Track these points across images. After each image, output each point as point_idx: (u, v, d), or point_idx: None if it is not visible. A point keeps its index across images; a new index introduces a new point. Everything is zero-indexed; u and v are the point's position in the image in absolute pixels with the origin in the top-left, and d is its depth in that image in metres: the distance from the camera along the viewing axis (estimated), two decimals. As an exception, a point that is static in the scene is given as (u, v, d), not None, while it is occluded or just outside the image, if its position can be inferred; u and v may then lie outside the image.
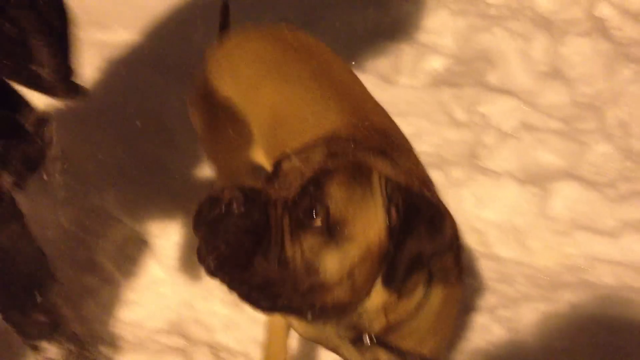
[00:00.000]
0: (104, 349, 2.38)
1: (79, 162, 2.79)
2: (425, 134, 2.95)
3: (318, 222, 1.20)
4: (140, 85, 3.02)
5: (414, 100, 3.07)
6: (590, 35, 3.46)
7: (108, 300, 2.50)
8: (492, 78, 3.31)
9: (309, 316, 1.27)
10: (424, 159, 2.82)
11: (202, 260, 1.23)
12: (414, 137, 2.90)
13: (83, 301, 2.48)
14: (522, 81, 3.36)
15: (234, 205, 1.20)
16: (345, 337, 1.47)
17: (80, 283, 2.52)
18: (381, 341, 1.42)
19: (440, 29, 3.52)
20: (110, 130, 2.83)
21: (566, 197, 2.76)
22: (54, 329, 2.26)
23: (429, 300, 1.43)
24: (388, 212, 1.25)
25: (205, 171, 2.76)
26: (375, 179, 1.26)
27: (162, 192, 2.68)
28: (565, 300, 2.41)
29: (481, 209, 2.74)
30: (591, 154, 2.97)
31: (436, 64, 3.38)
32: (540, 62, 3.44)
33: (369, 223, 1.23)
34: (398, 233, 1.24)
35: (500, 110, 3.13)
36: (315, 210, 1.20)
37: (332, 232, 1.21)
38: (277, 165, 1.31)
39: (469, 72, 3.28)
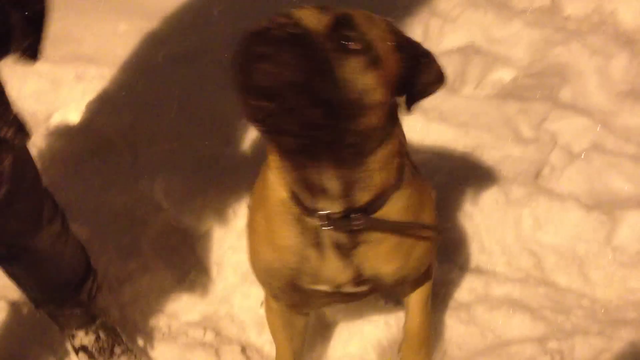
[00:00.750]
0: (137, 337, 2.35)
1: (133, 148, 2.79)
2: (487, 147, 2.79)
3: (357, 45, 1.34)
4: (194, 78, 2.99)
5: (477, 112, 2.92)
6: (677, 56, 3.23)
7: (147, 288, 2.47)
8: (565, 95, 3.12)
9: (351, 139, 1.39)
10: (483, 173, 2.72)
11: (270, 91, 1.25)
12: (475, 150, 2.80)
13: (123, 287, 2.47)
14: (598, 100, 3.15)
15: (288, 28, 1.26)
16: (328, 240, 1.59)
17: (123, 268, 2.51)
18: (374, 219, 1.56)
19: (512, 39, 3.35)
20: (164, 120, 2.81)
21: (635, 227, 2.54)
22: (91, 321, 2.25)
23: (405, 171, 1.60)
24: (395, 42, 1.44)
25: (256, 167, 2.70)
26: (380, 20, 1.46)
27: (211, 186, 2.63)
28: (624, 338, 2.21)
29: (541, 232, 2.56)
30: (667, 183, 2.75)
31: (505, 75, 3.21)
32: (619, 82, 3.22)
33: (387, 49, 1.41)
34: (407, 61, 1.45)
35: (571, 129, 2.94)
36: (352, 37, 1.34)
37: (369, 53, 1.35)
38: (285, 16, 1.35)
39: (540, 87, 3.10)
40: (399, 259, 1.69)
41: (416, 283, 1.94)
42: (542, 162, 2.78)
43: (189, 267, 2.51)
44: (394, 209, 1.59)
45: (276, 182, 1.58)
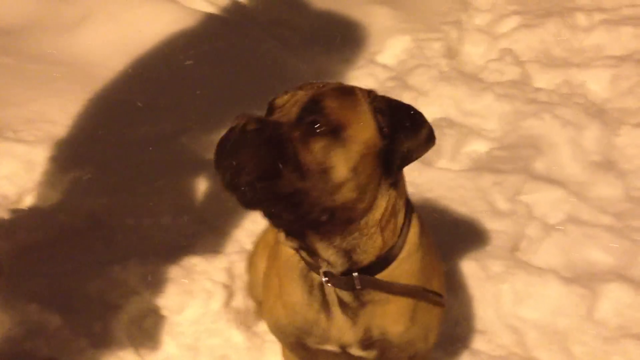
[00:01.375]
0: None
1: (107, 231, 2.75)
2: (463, 222, 2.79)
3: (322, 128, 1.42)
4: (171, 159, 2.98)
5: (453, 185, 2.93)
6: (647, 126, 3.29)
7: (120, 377, 2.38)
8: (539, 166, 3.16)
9: (323, 217, 1.44)
10: (460, 248, 2.71)
11: (234, 187, 1.38)
12: (451, 225, 2.79)
13: (93, 376, 2.38)
14: (572, 171, 3.19)
15: (249, 125, 1.37)
16: (334, 297, 1.63)
17: (93, 357, 2.42)
18: (373, 279, 1.58)
19: (484, 112, 3.42)
20: (139, 201, 2.78)
21: (616, 300, 2.53)
22: None
23: (410, 232, 1.63)
24: (375, 114, 1.50)
25: (229, 249, 2.67)
26: (358, 91, 1.54)
27: (186, 268, 2.58)
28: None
29: (521, 307, 2.54)
30: (645, 254, 2.75)
31: (479, 147, 3.26)
32: (592, 152, 3.27)
33: (363, 124, 1.48)
34: (389, 130, 1.49)
35: (546, 201, 2.96)
36: (318, 121, 1.43)
37: (335, 134, 1.43)
38: (270, 105, 1.55)
39: (514, 159, 3.14)
40: (406, 321, 1.68)
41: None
42: (519, 235, 2.78)
43: (163, 353, 2.42)
44: (400, 272, 1.61)
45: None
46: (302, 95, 1.49)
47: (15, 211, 2.70)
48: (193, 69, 3.47)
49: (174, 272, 2.52)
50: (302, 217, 1.43)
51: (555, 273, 2.62)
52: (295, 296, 1.70)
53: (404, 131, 1.50)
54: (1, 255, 2.49)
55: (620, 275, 2.63)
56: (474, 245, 2.69)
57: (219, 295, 2.45)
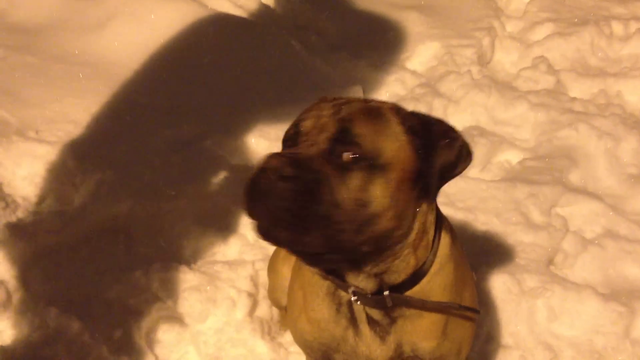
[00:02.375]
0: None
1: (129, 236, 2.69)
2: (496, 234, 2.69)
3: (358, 162, 1.34)
4: (194, 164, 2.93)
5: (486, 196, 2.83)
6: (686, 139, 3.17)
7: (138, 386, 2.32)
8: (574, 178, 3.05)
9: (364, 248, 1.37)
10: (493, 261, 2.61)
11: (271, 237, 1.33)
12: (483, 237, 2.69)
13: (111, 384, 2.31)
14: (609, 184, 3.08)
15: (284, 171, 1.28)
16: (362, 315, 1.56)
17: (112, 364, 2.35)
18: (405, 297, 1.51)
19: (518, 121, 3.32)
20: (162, 207, 2.72)
21: (655, 319, 2.41)
22: None
23: (440, 244, 1.56)
24: (408, 133, 1.41)
25: (253, 256, 2.59)
26: (386, 111, 1.44)
27: (209, 276, 2.51)
28: None
29: (556, 324, 2.43)
30: (686, 271, 2.63)
31: (512, 157, 3.15)
32: (629, 165, 3.15)
33: (398, 147, 1.39)
34: (424, 149, 1.41)
35: (583, 214, 2.85)
36: (352, 152, 1.34)
37: (371, 165, 1.34)
38: (294, 129, 1.43)
39: (548, 170, 3.03)
40: (438, 336, 1.62)
41: None
42: (554, 249, 2.67)
43: (184, 361, 2.35)
44: (432, 286, 1.55)
45: None
46: (327, 119, 1.39)
47: (35, 213, 2.64)
48: (217, 71, 3.41)
49: (197, 279, 2.45)
50: (341, 253, 1.36)
51: (592, 289, 2.51)
52: (321, 313, 1.64)
53: (440, 150, 1.42)
54: (21, 258, 2.43)
55: (660, 293, 2.52)
56: (508, 259, 2.59)
57: (243, 304, 2.37)
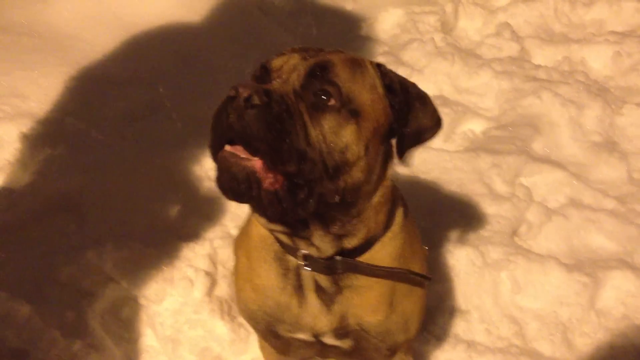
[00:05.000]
0: None
1: (81, 214, 2.57)
2: (460, 205, 2.64)
3: (333, 102, 1.30)
4: (149, 136, 2.81)
5: (449, 167, 2.78)
6: (650, 105, 3.16)
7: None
8: (538, 147, 3.02)
9: (336, 198, 1.32)
10: (457, 233, 2.56)
11: (241, 181, 1.24)
12: (447, 209, 2.64)
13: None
14: (572, 152, 3.06)
15: (254, 99, 1.22)
16: (309, 281, 1.51)
17: (66, 348, 2.26)
18: (357, 262, 1.48)
19: (482, 90, 3.26)
20: (115, 183, 2.60)
21: (619, 288, 2.40)
22: None
23: (395, 214, 1.54)
24: (386, 89, 1.39)
25: (212, 234, 2.51)
26: (368, 64, 1.42)
27: (166, 254, 2.42)
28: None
29: (521, 297, 2.41)
30: (649, 240, 2.62)
31: (475, 127, 3.11)
32: (593, 132, 3.14)
33: (374, 99, 1.37)
34: (400, 107, 1.39)
35: (547, 184, 2.82)
36: (328, 92, 1.30)
37: (346, 109, 1.31)
38: (261, 70, 1.38)
39: (512, 139, 2.99)
40: (385, 310, 1.58)
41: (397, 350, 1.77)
42: (518, 220, 2.64)
43: (141, 345, 2.27)
44: (382, 254, 1.52)
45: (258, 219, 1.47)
46: (299, 60, 1.35)
47: (-19, 192, 2.52)
48: (171, 43, 3.27)
49: (153, 258, 2.36)
50: (303, 203, 1.29)
51: (556, 260, 2.49)
52: (268, 279, 1.58)
53: (416, 112, 1.41)
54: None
55: (623, 262, 2.51)
56: (472, 231, 2.55)
57: (201, 283, 2.29)
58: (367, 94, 1.35)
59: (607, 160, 3.00)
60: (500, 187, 2.75)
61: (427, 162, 2.80)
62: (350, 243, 1.46)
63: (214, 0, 3.50)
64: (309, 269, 1.49)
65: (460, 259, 2.44)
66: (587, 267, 2.49)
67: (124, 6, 3.38)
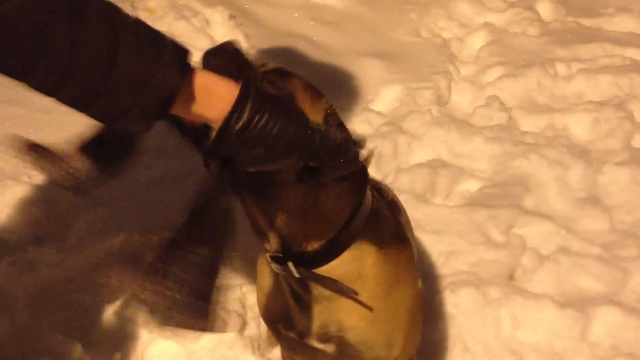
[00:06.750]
0: None
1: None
2: (461, 252, 2.95)
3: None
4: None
5: (449, 220, 3.10)
6: (628, 165, 3.51)
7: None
8: (529, 202, 3.34)
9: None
10: (460, 277, 2.85)
11: None
12: (450, 255, 2.95)
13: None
14: (560, 207, 3.38)
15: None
16: (285, 284, 1.56)
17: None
18: (305, 269, 1.49)
19: (475, 154, 3.62)
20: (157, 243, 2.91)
21: (607, 322, 2.68)
22: None
23: (365, 237, 1.54)
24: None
25: (241, 281, 2.79)
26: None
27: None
28: None
29: (519, 331, 2.67)
30: (633, 281, 2.91)
31: (471, 186, 3.44)
32: (577, 189, 3.47)
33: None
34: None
35: (538, 234, 3.13)
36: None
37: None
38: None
39: (505, 195, 3.32)
40: (362, 318, 1.61)
41: None
42: (514, 265, 2.94)
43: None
44: (349, 267, 1.53)
45: None
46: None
47: (35, 248, 2.82)
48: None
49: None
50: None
51: (550, 298, 2.77)
52: (263, 279, 1.71)
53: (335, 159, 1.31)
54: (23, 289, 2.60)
55: (610, 300, 2.79)
56: (472, 274, 2.84)
57: (234, 323, 2.57)
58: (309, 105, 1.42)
59: (592, 213, 3.31)
60: (497, 236, 3.06)
61: (430, 216, 3.12)
62: (306, 246, 1.48)
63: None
64: (275, 267, 1.52)
65: (464, 298, 2.72)
66: (578, 304, 2.77)
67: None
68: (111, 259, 2.60)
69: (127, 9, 4.57)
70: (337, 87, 4.26)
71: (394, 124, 3.81)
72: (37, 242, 2.92)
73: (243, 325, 2.61)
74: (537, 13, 5.24)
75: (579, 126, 3.94)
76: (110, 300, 2.68)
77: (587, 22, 5.14)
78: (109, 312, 2.64)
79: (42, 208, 3.04)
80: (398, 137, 3.69)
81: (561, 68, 4.44)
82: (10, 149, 2.87)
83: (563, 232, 3.16)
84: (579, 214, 3.32)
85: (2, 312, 2.51)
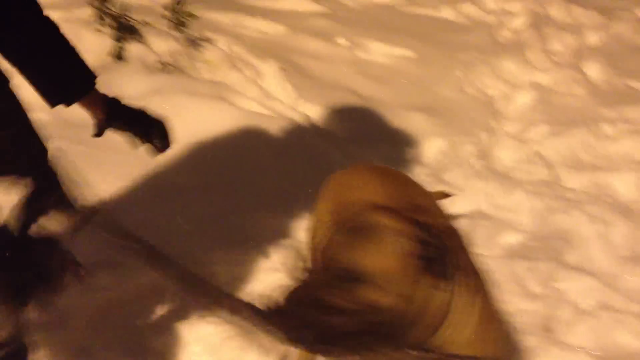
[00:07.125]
0: None
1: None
2: (498, 302, 2.94)
3: None
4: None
5: (488, 270, 3.11)
6: (673, 227, 3.48)
7: None
8: (569, 257, 3.34)
9: None
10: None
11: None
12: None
13: None
14: (602, 264, 3.36)
15: None
16: None
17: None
18: None
19: (516, 207, 3.64)
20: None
21: (646, 380, 2.64)
22: None
23: None
24: None
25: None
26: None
27: (237, 327, 2.77)
28: None
29: (555, 382, 2.65)
30: (673, 341, 2.86)
31: (511, 239, 3.45)
32: (620, 247, 3.45)
33: None
34: None
35: (578, 288, 3.11)
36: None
37: None
38: None
39: (545, 249, 3.33)
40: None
41: None
42: (551, 317, 2.92)
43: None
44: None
45: None
46: None
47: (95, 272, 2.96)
48: (246, 159, 3.80)
49: (230, 330, 2.71)
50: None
51: (587, 353, 2.74)
52: None
53: None
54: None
55: (650, 358, 2.75)
56: (508, 322, 2.83)
57: (275, 351, 2.63)
58: None
59: (634, 272, 3.29)
60: (535, 288, 3.06)
61: (468, 265, 3.14)
62: None
63: (272, 122, 4.06)
64: None
65: (498, 346, 2.71)
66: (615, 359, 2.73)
67: (205, 131, 3.94)
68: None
69: (184, 60, 4.85)
70: (382, 138, 4.37)
71: (435, 175, 3.87)
72: (96, 266, 3.06)
73: (285, 352, 2.67)
74: (584, 73, 5.30)
75: (623, 185, 3.94)
76: (162, 324, 2.80)
77: (635, 83, 5.16)
78: (159, 334, 2.75)
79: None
80: (437, 186, 3.74)
81: (607, 128, 4.46)
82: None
83: (604, 288, 3.14)
84: (620, 271, 3.29)
85: (60, 331, 2.63)
